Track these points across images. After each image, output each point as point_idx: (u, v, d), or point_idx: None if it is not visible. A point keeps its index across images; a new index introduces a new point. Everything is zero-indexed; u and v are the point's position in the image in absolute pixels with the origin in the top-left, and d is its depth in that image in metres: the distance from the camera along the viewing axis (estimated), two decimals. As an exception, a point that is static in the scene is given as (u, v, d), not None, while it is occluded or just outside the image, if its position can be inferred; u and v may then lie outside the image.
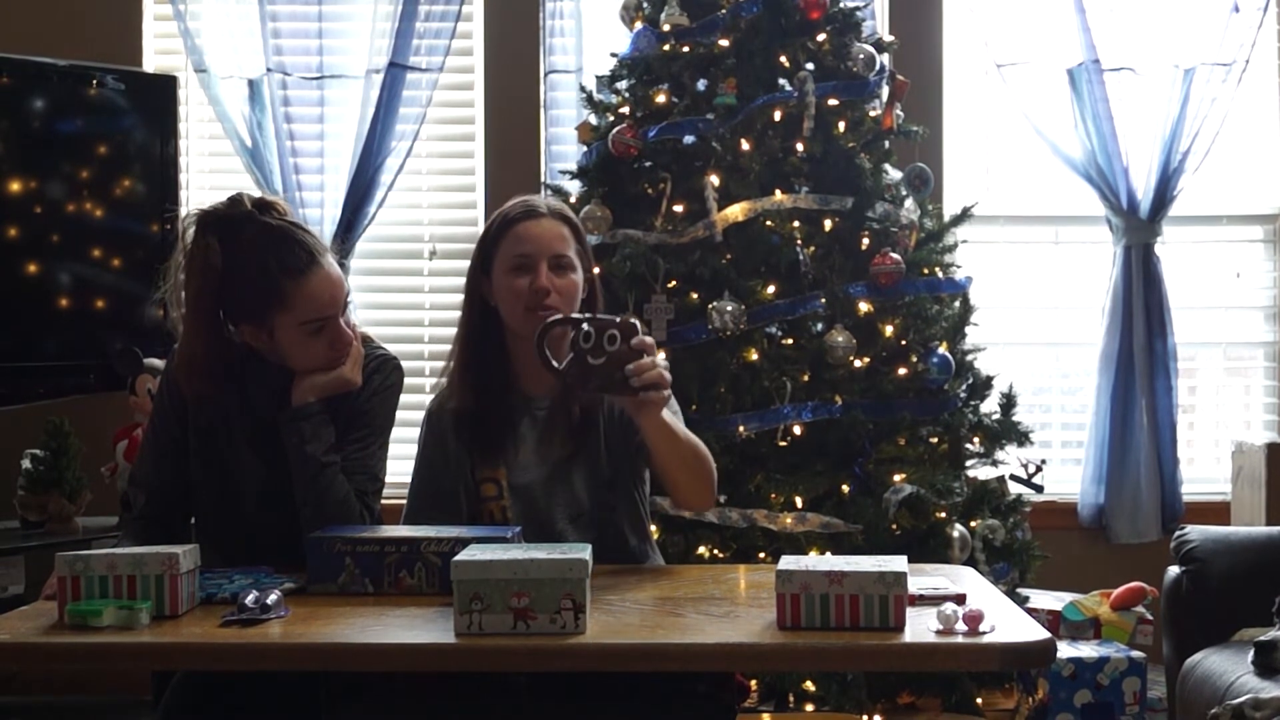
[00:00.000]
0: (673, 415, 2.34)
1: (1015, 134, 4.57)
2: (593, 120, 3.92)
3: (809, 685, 3.38)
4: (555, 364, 2.16)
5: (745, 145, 3.66)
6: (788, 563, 1.86)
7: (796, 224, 3.62)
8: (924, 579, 2.10)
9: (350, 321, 2.42)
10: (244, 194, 2.37)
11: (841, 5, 3.83)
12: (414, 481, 2.48)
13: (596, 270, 2.58)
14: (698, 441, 2.37)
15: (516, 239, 2.41)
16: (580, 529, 2.41)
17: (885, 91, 3.84)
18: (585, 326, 2.10)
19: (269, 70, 4.45)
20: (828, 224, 3.66)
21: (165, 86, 4.26)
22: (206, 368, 2.36)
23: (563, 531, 2.41)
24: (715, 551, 3.41)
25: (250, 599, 1.90)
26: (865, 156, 3.71)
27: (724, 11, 3.75)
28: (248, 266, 2.29)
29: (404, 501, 2.48)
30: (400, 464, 2.58)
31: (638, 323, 2.13)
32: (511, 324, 2.43)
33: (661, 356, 2.21)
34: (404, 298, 4.62)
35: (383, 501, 2.51)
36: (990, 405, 3.81)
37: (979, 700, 3.50)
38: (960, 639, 1.78)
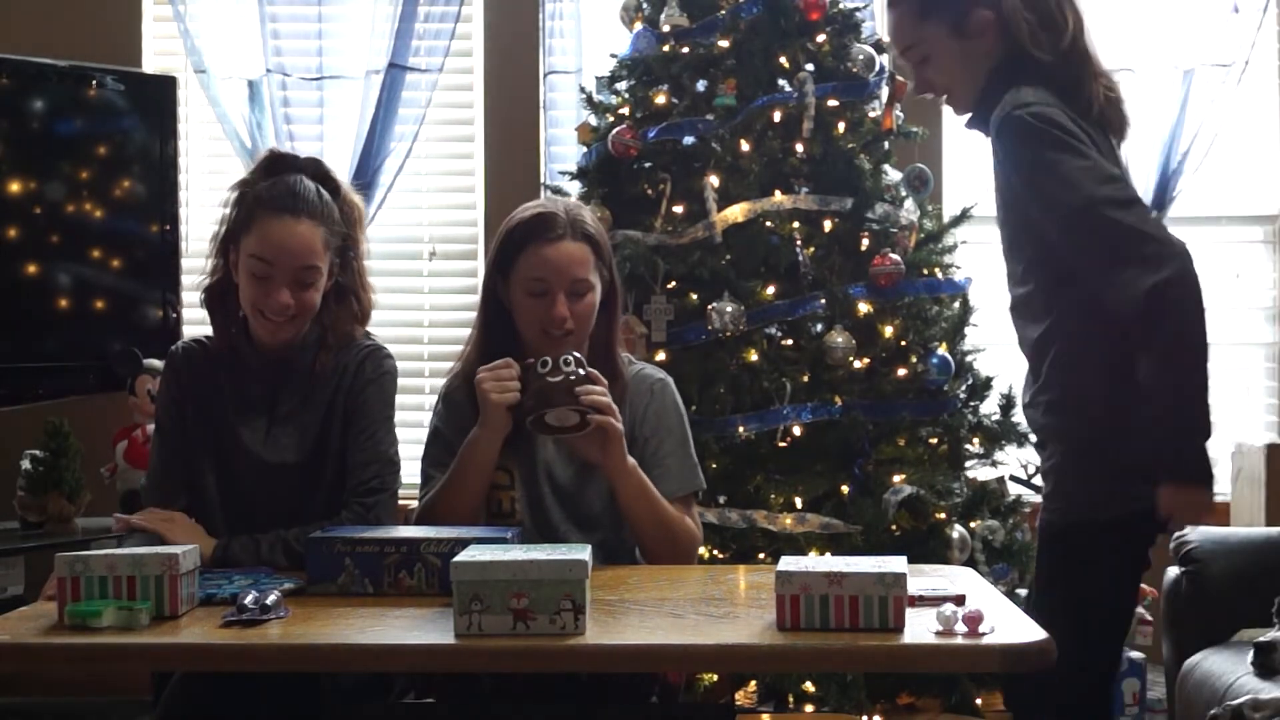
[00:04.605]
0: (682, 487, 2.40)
1: (1015, 135, 4.56)
2: (592, 121, 3.91)
3: (809, 686, 3.37)
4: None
5: (745, 146, 3.66)
6: (787, 563, 1.86)
7: (796, 225, 3.61)
8: (923, 580, 2.10)
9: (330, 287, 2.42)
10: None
11: (841, 6, 3.83)
12: (427, 455, 2.46)
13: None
14: (680, 516, 2.37)
15: (534, 260, 2.37)
16: (584, 533, 2.41)
17: (885, 92, 3.83)
18: (544, 358, 2.23)
19: (268, 71, 4.45)
20: (827, 225, 3.66)
21: (165, 87, 4.26)
22: (220, 295, 2.43)
23: (565, 534, 2.41)
24: (715, 552, 3.40)
25: (250, 599, 1.90)
26: (865, 157, 3.70)
27: (724, 12, 3.75)
28: (253, 189, 2.38)
29: (413, 503, 2.47)
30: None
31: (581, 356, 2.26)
32: (527, 336, 2.43)
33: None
34: (404, 298, 4.61)
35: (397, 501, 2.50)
36: (990, 406, 3.80)
37: (979, 701, 3.50)
38: (960, 640, 1.78)
